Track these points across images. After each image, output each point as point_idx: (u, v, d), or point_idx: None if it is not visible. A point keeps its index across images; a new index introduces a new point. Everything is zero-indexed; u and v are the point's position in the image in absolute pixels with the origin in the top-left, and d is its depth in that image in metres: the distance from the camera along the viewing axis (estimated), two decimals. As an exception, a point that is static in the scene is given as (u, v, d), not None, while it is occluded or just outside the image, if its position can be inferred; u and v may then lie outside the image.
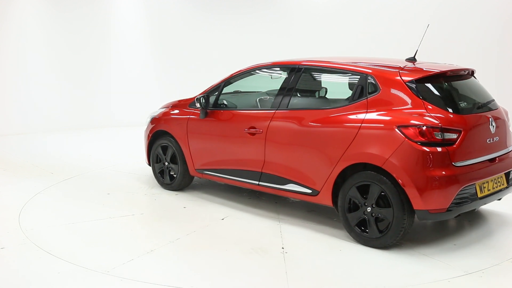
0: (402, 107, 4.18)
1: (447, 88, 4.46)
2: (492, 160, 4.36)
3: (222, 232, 4.80)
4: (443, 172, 3.99)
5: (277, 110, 4.95)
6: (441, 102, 4.22)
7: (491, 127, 4.35)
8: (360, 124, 4.30)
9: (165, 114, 6.22)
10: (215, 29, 11.31)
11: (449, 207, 4.03)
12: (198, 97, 5.56)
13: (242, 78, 5.60)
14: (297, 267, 4.00)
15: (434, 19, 8.21)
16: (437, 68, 4.51)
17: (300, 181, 4.75)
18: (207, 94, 5.62)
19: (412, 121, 4.06)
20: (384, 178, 4.15)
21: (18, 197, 5.82)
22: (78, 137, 10.09)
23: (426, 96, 4.19)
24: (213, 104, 5.56)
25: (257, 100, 5.56)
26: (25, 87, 10.59)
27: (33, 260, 4.09)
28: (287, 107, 4.90)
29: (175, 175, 6.00)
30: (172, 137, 5.96)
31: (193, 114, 5.72)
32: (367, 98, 4.36)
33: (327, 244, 4.44)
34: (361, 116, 4.33)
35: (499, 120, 4.51)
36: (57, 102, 10.98)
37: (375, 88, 4.36)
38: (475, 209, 4.41)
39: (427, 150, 3.99)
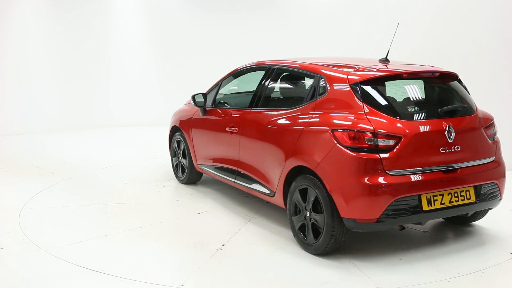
0: (343, 110, 3.99)
1: (398, 91, 4.22)
2: (449, 171, 3.95)
3: (185, 225, 4.98)
4: (373, 181, 3.72)
5: (249, 110, 5.05)
6: (384, 106, 3.96)
7: (447, 135, 3.94)
8: (303, 127, 4.22)
9: (180, 110, 6.47)
10: (215, 27, 11.31)
11: (379, 218, 3.75)
12: (193, 95, 5.71)
13: (235, 78, 5.75)
14: (216, 263, 4.05)
15: (435, 19, 8.22)
16: (392, 70, 4.26)
17: (262, 181, 4.77)
18: (206, 92, 5.80)
19: (345, 125, 3.88)
20: (319, 182, 4.01)
21: (18, 197, 5.82)
22: (78, 137, 10.09)
23: (369, 99, 3.95)
24: (211, 102, 5.72)
25: (240, 100, 5.62)
26: (25, 87, 10.59)
27: (33, 260, 4.09)
28: (256, 107, 4.98)
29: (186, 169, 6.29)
30: (183, 132, 6.22)
31: (198, 111, 5.90)
32: (315, 100, 4.27)
33: (271, 246, 4.39)
34: (307, 118, 4.23)
35: (464, 128, 4.06)
36: (57, 102, 10.98)
37: (324, 90, 4.22)
38: (420, 223, 4.01)
39: (356, 156, 3.76)
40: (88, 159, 7.96)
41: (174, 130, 6.47)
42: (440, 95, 4.40)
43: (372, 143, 3.76)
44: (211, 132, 5.58)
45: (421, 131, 3.87)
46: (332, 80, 4.19)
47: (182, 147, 6.25)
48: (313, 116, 4.19)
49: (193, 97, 5.69)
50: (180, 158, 6.35)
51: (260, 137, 4.75)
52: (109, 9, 11.43)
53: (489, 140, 4.24)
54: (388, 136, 3.78)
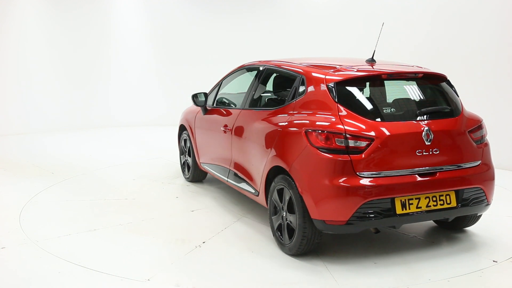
0: (320, 111, 3.97)
1: (376, 92, 4.17)
2: (426, 175, 3.85)
3: (174, 221, 5.06)
4: (343, 182, 3.67)
5: (240, 109, 5.12)
6: (358, 107, 3.92)
7: (424, 137, 3.84)
8: (281, 127, 4.22)
9: (187, 109, 6.60)
10: (215, 27, 11.31)
11: (349, 220, 3.70)
12: (193, 94, 5.80)
13: (234, 77, 5.80)
14: (189, 260, 4.11)
15: (435, 20, 8.22)
16: (373, 71, 4.22)
17: (249, 180, 4.79)
18: (209, 92, 5.92)
19: (318, 126, 3.85)
20: (293, 183, 3.98)
21: (19, 197, 5.82)
22: (78, 137, 10.10)
23: (344, 100, 3.91)
24: (212, 102, 5.81)
25: (236, 100, 5.66)
26: (25, 87, 10.60)
27: (34, 260, 4.09)
28: (247, 107, 5.03)
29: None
30: (188, 131, 6.35)
31: (200, 110, 6.00)
32: (295, 100, 4.27)
33: (250, 245, 4.40)
34: (286, 118, 4.23)
35: (444, 131, 3.94)
36: (57, 102, 10.98)
37: (303, 90, 4.22)
38: (394, 226, 3.94)
39: (326, 157, 3.73)
40: (88, 159, 7.97)
41: (181, 129, 6.64)
42: (423, 96, 4.31)
43: (343, 144, 3.72)
44: (210, 131, 5.67)
45: (395, 133, 3.79)
46: (310, 80, 4.19)
47: (188, 145, 6.37)
48: (292, 116, 4.20)
49: (193, 97, 5.76)
50: (186, 156, 6.47)
51: (247, 137, 4.80)
52: (109, 9, 11.43)
53: (473, 144, 4.08)
54: (359, 138, 3.73)
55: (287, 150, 4.08)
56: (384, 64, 4.50)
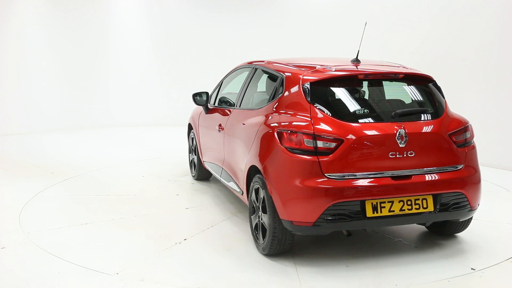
0: (294, 111, 3.94)
1: (351, 93, 4.11)
2: (400, 178, 3.76)
3: (165, 218, 5.13)
4: (310, 183, 3.64)
5: (231, 109, 5.17)
6: (331, 108, 3.88)
7: (398, 139, 3.75)
8: (259, 127, 4.22)
9: (194, 108, 6.62)
10: (216, 26, 11.31)
11: (316, 222, 3.66)
12: (193, 94, 5.83)
13: (232, 78, 5.87)
14: (164, 256, 4.17)
15: (435, 20, 8.22)
16: (349, 71, 4.16)
17: (235, 179, 4.82)
18: (212, 91, 6.00)
19: (288, 126, 3.83)
20: (265, 182, 3.98)
21: (19, 197, 5.82)
22: (78, 137, 10.10)
23: (317, 101, 3.89)
24: (213, 101, 5.86)
25: (233, 100, 5.69)
26: (25, 87, 10.60)
27: (33, 260, 4.09)
28: (237, 106, 5.07)
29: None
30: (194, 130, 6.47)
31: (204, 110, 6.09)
32: (275, 100, 4.26)
33: (229, 244, 4.42)
34: (265, 117, 4.23)
35: (420, 133, 3.85)
36: (57, 102, 10.98)
37: (282, 90, 4.20)
38: (365, 229, 3.86)
39: (294, 157, 3.71)
40: (88, 159, 7.96)
41: (190, 127, 6.73)
42: (401, 97, 4.22)
43: (311, 145, 3.69)
44: (209, 130, 5.74)
45: (366, 134, 3.73)
46: (288, 80, 4.18)
47: (194, 144, 6.45)
48: (269, 116, 4.20)
49: (194, 96, 5.78)
50: (193, 154, 6.57)
51: (234, 136, 4.84)
52: (109, 9, 11.44)
53: (455, 147, 3.95)
54: (328, 139, 3.69)
55: (261, 150, 4.08)
56: (368, 64, 4.44)
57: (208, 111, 5.84)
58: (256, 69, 5.10)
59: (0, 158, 8.18)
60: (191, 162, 6.69)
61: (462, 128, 4.06)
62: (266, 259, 4.09)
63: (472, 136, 4.19)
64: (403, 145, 3.75)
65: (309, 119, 3.79)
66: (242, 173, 4.52)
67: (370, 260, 4.03)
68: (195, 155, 6.43)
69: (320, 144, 3.69)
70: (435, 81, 4.27)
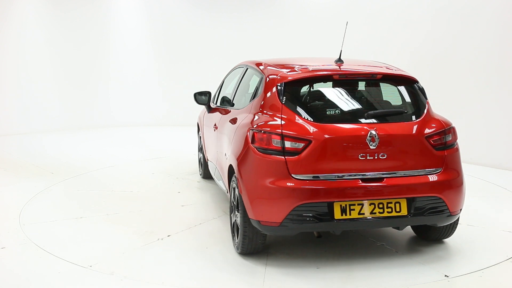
0: (268, 110, 3.94)
1: (324, 93, 4.09)
2: (370, 180, 3.68)
3: (158, 215, 5.22)
4: (276, 184, 3.63)
5: (224, 108, 5.22)
6: (302, 108, 3.86)
7: (368, 141, 3.68)
8: (237, 127, 4.24)
9: (203, 108, 6.62)
10: (216, 26, 11.31)
11: (282, 222, 3.64)
12: (194, 93, 5.82)
13: (231, 78, 5.88)
14: (142, 251, 4.25)
15: (435, 20, 8.22)
16: (324, 71, 4.12)
17: (223, 178, 4.85)
18: (215, 91, 6.07)
19: (259, 126, 3.83)
20: (237, 181, 3.99)
21: (19, 197, 5.82)
22: (78, 137, 10.10)
23: (289, 101, 3.88)
24: (216, 100, 5.90)
25: (230, 99, 5.74)
26: (25, 88, 10.60)
27: (34, 260, 4.09)
28: (230, 106, 5.10)
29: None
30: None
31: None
32: (254, 100, 4.27)
33: (210, 241, 4.46)
34: (243, 117, 4.26)
35: (393, 135, 3.76)
36: (57, 102, 10.99)
37: (261, 90, 4.22)
38: (332, 231, 3.82)
39: (262, 157, 3.71)
40: (88, 159, 7.96)
41: (198, 126, 6.81)
42: (377, 98, 4.20)
43: (279, 145, 3.68)
44: (209, 129, 5.79)
45: (335, 135, 3.68)
46: (266, 80, 4.19)
47: (201, 143, 6.52)
48: (247, 115, 4.22)
49: (195, 95, 5.79)
50: (200, 153, 6.63)
51: (222, 135, 4.88)
52: (109, 9, 11.44)
53: (432, 150, 3.83)
54: (296, 139, 3.66)
55: (237, 149, 4.11)
56: (351, 64, 4.37)
57: (210, 110, 5.88)
58: (247, 69, 5.14)
59: (0, 158, 8.18)
60: (199, 161, 6.77)
61: (441, 130, 3.91)
62: (240, 258, 4.11)
63: (454, 139, 4.01)
64: (374, 147, 3.68)
65: (280, 119, 3.79)
66: (225, 173, 4.58)
67: (344, 263, 3.99)
68: (202, 153, 6.51)
69: (287, 144, 3.67)
70: (418, 82, 4.19)
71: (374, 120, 3.80)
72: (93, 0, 11.20)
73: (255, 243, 3.99)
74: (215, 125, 5.34)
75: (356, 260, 4.03)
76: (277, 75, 4.10)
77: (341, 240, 4.44)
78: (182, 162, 7.69)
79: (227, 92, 6.09)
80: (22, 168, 7.38)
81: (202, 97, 5.76)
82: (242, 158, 3.92)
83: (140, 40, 11.79)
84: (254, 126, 3.87)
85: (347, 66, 4.24)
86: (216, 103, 5.83)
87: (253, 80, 5.09)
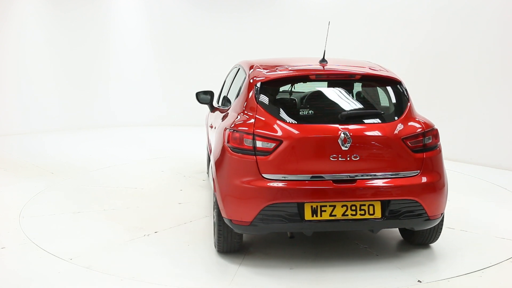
0: (246, 110, 3.95)
1: (298, 93, 4.10)
2: (343, 182, 3.64)
3: (153, 211, 5.32)
4: (247, 183, 3.63)
5: (218, 108, 5.27)
6: (275, 108, 3.85)
7: (340, 142, 3.63)
8: (219, 126, 4.26)
9: None
10: (216, 26, 11.31)
11: (252, 222, 3.63)
12: (196, 92, 5.80)
13: (231, 78, 5.84)
14: (125, 247, 4.34)
15: (435, 21, 8.22)
16: (300, 71, 4.11)
17: (210, 177, 4.91)
18: (219, 91, 6.11)
19: (234, 125, 3.84)
20: (213, 180, 4.04)
21: (19, 197, 5.82)
22: (78, 137, 10.10)
23: (263, 101, 3.88)
24: (218, 100, 5.94)
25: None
26: (25, 88, 10.60)
27: (34, 260, 4.09)
28: (223, 105, 5.14)
29: None
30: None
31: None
32: (236, 99, 4.30)
33: (193, 239, 4.50)
34: (226, 116, 4.30)
35: (367, 136, 3.71)
36: (57, 102, 10.99)
37: (243, 90, 4.23)
38: (303, 232, 3.80)
39: (234, 156, 3.72)
40: (88, 159, 7.97)
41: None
42: (354, 99, 4.15)
43: (251, 145, 3.68)
44: (210, 129, 5.81)
45: (306, 136, 3.65)
46: (249, 80, 4.19)
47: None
48: (228, 114, 4.25)
49: (196, 94, 5.78)
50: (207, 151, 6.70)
51: (212, 135, 4.91)
52: (109, 9, 11.44)
53: (410, 152, 3.75)
54: (267, 139, 3.66)
55: (215, 148, 4.15)
56: (334, 64, 4.31)
57: (212, 110, 5.90)
58: (239, 68, 5.16)
59: (0, 158, 8.18)
60: (207, 159, 6.81)
61: (419, 132, 3.81)
62: (216, 256, 4.15)
63: (435, 141, 3.91)
64: (346, 148, 3.63)
65: (253, 119, 3.79)
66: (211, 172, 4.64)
67: (320, 264, 3.97)
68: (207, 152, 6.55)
69: (259, 144, 3.66)
70: (400, 83, 4.09)
71: (348, 121, 3.75)
72: (93, 0, 11.20)
73: (231, 241, 4.02)
74: (211, 124, 5.39)
75: (333, 262, 4.01)
76: (257, 75, 4.10)
77: (322, 241, 4.43)
78: (191, 161, 7.73)
79: (225, 92, 6.11)
80: (22, 168, 7.38)
81: (204, 96, 5.73)
82: (218, 157, 3.95)
83: (140, 40, 11.79)
84: (231, 126, 3.87)
85: (330, 66, 4.19)
86: (218, 103, 5.86)
87: (240, 81, 5.14)
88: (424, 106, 8.44)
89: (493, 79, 7.52)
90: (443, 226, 4.60)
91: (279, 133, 3.67)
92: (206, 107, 6.50)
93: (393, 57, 8.76)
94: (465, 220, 5.03)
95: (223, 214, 3.81)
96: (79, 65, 11.08)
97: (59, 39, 10.85)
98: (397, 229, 4.46)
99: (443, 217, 4.06)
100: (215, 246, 4.19)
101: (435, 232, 4.15)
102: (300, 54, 9.40)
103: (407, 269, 3.88)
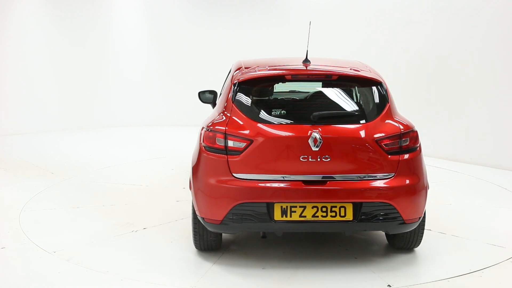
0: (224, 110, 3.96)
1: (272, 93, 4.13)
2: (313, 183, 3.62)
3: (149, 208, 5.40)
4: (218, 182, 3.67)
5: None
6: (249, 108, 3.85)
7: (311, 142, 3.60)
8: (203, 126, 4.25)
9: None
10: (216, 26, 11.31)
11: (223, 221, 3.66)
12: (198, 92, 5.79)
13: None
14: (109, 242, 4.46)
15: (437, 21, 8.22)
16: (276, 71, 4.08)
17: None
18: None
19: (209, 124, 3.87)
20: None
21: (19, 197, 5.82)
22: (78, 137, 10.10)
23: (239, 100, 3.89)
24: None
25: None
26: (25, 87, 10.59)
27: (34, 260, 4.09)
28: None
29: None
30: None
31: None
32: (220, 99, 4.30)
33: (179, 236, 4.54)
34: (210, 117, 4.28)
35: (338, 137, 3.66)
36: (57, 102, 10.98)
37: (223, 90, 4.24)
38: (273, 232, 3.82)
39: (207, 155, 3.77)
40: (88, 159, 7.96)
41: None
42: (329, 99, 4.10)
43: (223, 144, 3.71)
44: None
45: (276, 136, 3.65)
46: (230, 79, 4.21)
47: None
48: (211, 114, 4.25)
49: (199, 94, 5.76)
50: None
51: None
52: (109, 9, 11.43)
53: (384, 154, 3.67)
54: (238, 139, 3.67)
55: (194, 147, 4.17)
56: (316, 64, 4.24)
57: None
58: (231, 69, 5.14)
59: (0, 158, 8.18)
60: None
61: (395, 134, 3.71)
62: (193, 253, 4.19)
63: (413, 143, 3.80)
64: (317, 149, 3.60)
65: (227, 119, 3.82)
66: None
67: (294, 264, 3.97)
68: None
69: (230, 143, 3.69)
70: (381, 83, 3.99)
71: (320, 122, 3.70)
72: (93, 0, 11.20)
73: (207, 239, 4.05)
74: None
75: (310, 263, 4.00)
76: (237, 75, 4.13)
77: (305, 242, 4.42)
78: (191, 160, 7.75)
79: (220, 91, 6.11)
80: (22, 168, 7.38)
81: (207, 96, 5.68)
82: (195, 156, 3.99)
83: (140, 40, 11.79)
84: (208, 125, 3.90)
85: (312, 66, 4.15)
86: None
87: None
88: (425, 106, 8.45)
89: (493, 79, 7.51)
90: (435, 230, 4.64)
91: (250, 132, 3.68)
92: (207, 107, 6.48)
93: (393, 57, 8.76)
94: (460, 223, 4.98)
95: (197, 212, 3.85)
96: (79, 65, 11.07)
97: (59, 39, 10.84)
98: (384, 233, 4.38)
99: (422, 220, 3.95)
100: (193, 244, 4.23)
101: (415, 236, 4.06)
102: (299, 54, 9.40)
103: (381, 273, 3.83)
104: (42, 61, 10.74)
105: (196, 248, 4.20)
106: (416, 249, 4.26)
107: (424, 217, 3.98)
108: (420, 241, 4.14)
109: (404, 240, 4.11)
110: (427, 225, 4.47)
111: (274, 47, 10.32)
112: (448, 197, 5.88)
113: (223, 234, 4.22)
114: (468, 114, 7.83)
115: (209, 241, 4.08)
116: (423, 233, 4.09)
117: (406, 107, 8.67)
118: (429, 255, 4.18)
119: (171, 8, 11.65)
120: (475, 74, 7.70)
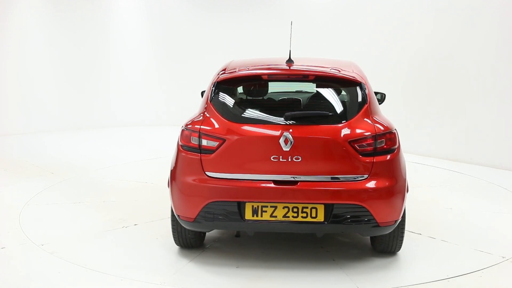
0: (203, 109, 4.01)
1: (247, 93, 4.20)
2: (284, 183, 3.61)
3: (145, 205, 5.48)
4: (190, 180, 3.73)
5: None
6: (224, 108, 3.88)
7: (282, 142, 3.59)
8: (182, 125, 4.28)
9: None
10: (216, 26, 11.32)
11: (196, 218, 3.71)
12: (202, 91, 5.71)
13: None
14: (98, 238, 4.55)
15: (437, 21, 8.22)
16: (254, 70, 4.07)
17: None
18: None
19: (188, 123, 3.91)
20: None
21: (19, 197, 5.82)
22: (78, 137, 10.10)
23: (215, 100, 3.94)
24: None
25: None
26: (25, 88, 10.60)
27: (34, 260, 4.09)
28: None
29: None
30: None
31: None
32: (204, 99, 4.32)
33: (166, 233, 4.54)
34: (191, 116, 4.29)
35: (309, 138, 3.63)
36: (57, 102, 10.98)
37: (207, 89, 4.25)
38: (242, 231, 3.89)
39: (181, 153, 3.83)
40: (88, 159, 7.97)
41: None
42: (308, 100, 4.13)
43: (197, 143, 3.77)
44: None
45: (247, 135, 3.68)
46: (213, 79, 4.22)
47: None
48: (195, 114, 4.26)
49: (201, 94, 5.74)
50: None
51: None
52: (109, 9, 11.44)
53: (358, 155, 3.62)
54: (211, 138, 3.73)
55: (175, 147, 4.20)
56: (299, 64, 4.16)
57: None
58: None
59: (0, 158, 8.18)
60: None
61: (369, 135, 3.66)
62: (175, 251, 4.24)
63: (390, 144, 3.74)
64: (288, 149, 3.60)
65: (203, 118, 3.89)
66: None
67: (268, 264, 3.97)
68: None
69: (204, 142, 3.75)
70: (359, 84, 3.93)
71: (292, 122, 3.69)
72: (93, 0, 11.20)
73: (184, 237, 4.10)
74: None
75: (283, 263, 3.99)
76: (217, 75, 4.17)
77: (286, 242, 4.41)
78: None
79: None
80: (22, 168, 7.38)
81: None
82: (174, 154, 4.01)
83: (140, 40, 11.80)
84: (187, 124, 3.92)
85: (295, 66, 4.10)
86: None
87: None
88: (425, 106, 8.45)
89: (494, 79, 7.52)
90: (425, 234, 4.58)
91: (222, 132, 3.73)
92: None
93: (394, 57, 8.76)
94: (456, 224, 4.94)
95: (173, 210, 3.92)
96: (79, 65, 11.07)
97: (59, 39, 10.85)
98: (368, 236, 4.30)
99: (401, 223, 3.89)
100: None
101: (395, 240, 3.99)
102: (300, 54, 9.40)
103: (354, 276, 3.77)
104: (42, 61, 10.74)
105: (176, 245, 4.24)
106: (399, 252, 4.15)
107: (403, 220, 3.90)
108: (401, 245, 4.06)
109: (384, 243, 4.04)
110: (417, 229, 4.56)
111: (274, 47, 10.32)
112: (448, 198, 5.88)
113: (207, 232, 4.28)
114: (468, 114, 7.83)
115: (188, 239, 4.13)
116: (403, 236, 4.00)
117: (406, 107, 8.69)
118: (409, 259, 4.07)
119: (171, 8, 11.65)
120: (476, 74, 7.71)
